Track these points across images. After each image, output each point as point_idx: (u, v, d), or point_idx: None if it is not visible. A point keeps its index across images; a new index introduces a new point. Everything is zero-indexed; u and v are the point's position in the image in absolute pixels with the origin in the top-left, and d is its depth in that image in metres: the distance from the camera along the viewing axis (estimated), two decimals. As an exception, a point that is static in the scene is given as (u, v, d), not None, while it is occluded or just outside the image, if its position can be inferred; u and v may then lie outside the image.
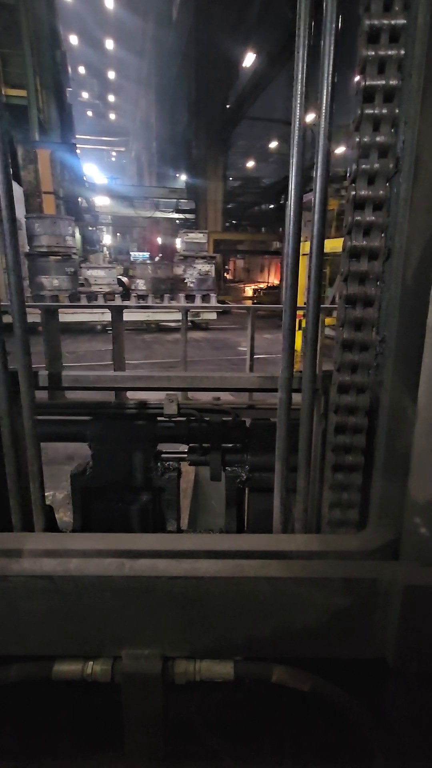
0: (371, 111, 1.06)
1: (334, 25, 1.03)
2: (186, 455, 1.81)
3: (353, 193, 1.11)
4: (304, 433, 1.25)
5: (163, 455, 1.82)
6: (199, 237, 17.68)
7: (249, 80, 23.79)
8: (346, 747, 1.18)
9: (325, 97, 1.07)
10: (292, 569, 1.06)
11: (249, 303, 21.78)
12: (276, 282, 24.65)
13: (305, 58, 1.07)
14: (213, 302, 15.05)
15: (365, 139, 1.08)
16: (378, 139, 1.08)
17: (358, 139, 1.09)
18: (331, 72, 1.05)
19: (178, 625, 1.07)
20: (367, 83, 1.05)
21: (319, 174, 1.11)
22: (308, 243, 1.16)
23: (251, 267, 31.29)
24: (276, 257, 26.67)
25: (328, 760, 1.23)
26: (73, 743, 1.27)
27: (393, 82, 1.04)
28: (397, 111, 1.06)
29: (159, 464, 1.78)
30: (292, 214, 1.14)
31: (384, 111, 1.06)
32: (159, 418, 1.75)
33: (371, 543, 1.14)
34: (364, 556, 1.12)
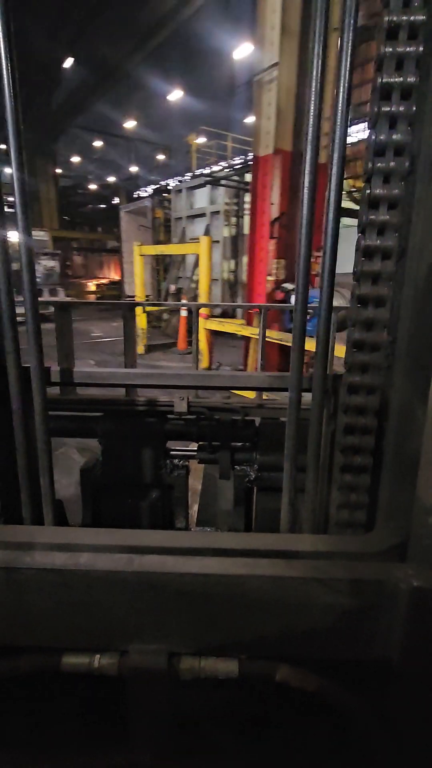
0: (388, 108, 1.05)
1: (352, 21, 1.02)
2: (195, 453, 1.82)
3: (367, 192, 1.10)
4: (314, 434, 1.25)
5: (172, 453, 1.83)
6: (41, 234, 19.10)
7: (75, 91, 24.71)
8: (349, 749, 1.18)
9: (342, 93, 1.06)
10: (298, 569, 1.06)
11: (93, 297, 24.70)
12: (117, 278, 26.98)
13: (321, 53, 1.06)
14: (62, 296, 16.42)
15: (381, 137, 1.07)
16: (394, 137, 1.06)
17: (373, 137, 1.07)
18: (348, 70, 1.04)
19: (184, 622, 1.08)
20: (384, 80, 1.03)
21: (334, 172, 1.10)
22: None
23: (90, 264, 33.95)
24: (114, 255, 29.43)
25: (331, 761, 1.23)
26: (79, 736, 1.29)
27: (411, 80, 1.02)
28: (414, 109, 1.04)
29: (168, 462, 1.79)
30: (304, 216, 1.14)
31: (401, 109, 1.04)
32: (169, 416, 1.76)
33: (378, 545, 1.14)
34: (371, 558, 1.11)
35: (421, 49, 1.00)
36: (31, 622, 1.09)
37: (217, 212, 13.52)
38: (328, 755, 1.23)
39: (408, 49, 1.01)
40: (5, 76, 1.07)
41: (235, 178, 13.67)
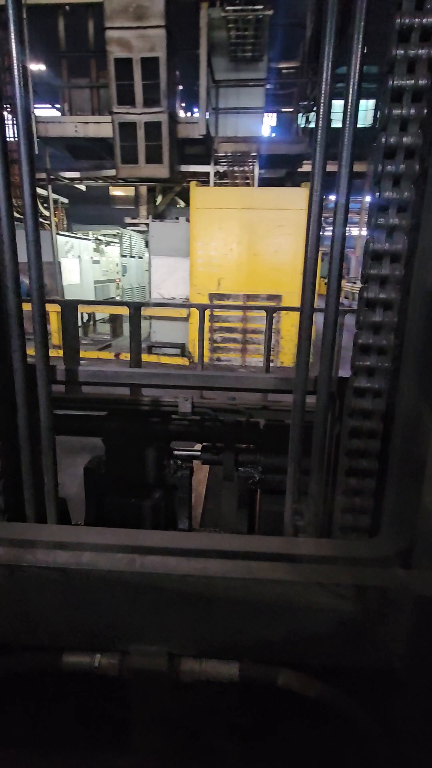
0: (399, 111, 1.04)
1: (362, 23, 1.02)
2: (199, 454, 1.82)
3: (377, 194, 1.09)
4: (318, 436, 1.24)
5: (176, 453, 1.83)
6: None
7: None
8: (351, 755, 1.17)
9: (351, 95, 1.05)
10: (301, 573, 1.06)
11: None
12: None
13: (330, 55, 1.06)
14: None
15: (391, 140, 1.06)
16: (405, 140, 1.06)
17: (384, 140, 1.07)
18: (358, 71, 1.04)
19: (185, 624, 1.07)
20: (396, 83, 1.03)
21: (342, 174, 1.10)
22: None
23: None
24: None
25: (332, 767, 1.22)
26: (79, 736, 1.29)
27: (422, 82, 1.02)
28: (425, 111, 1.03)
29: (172, 462, 1.79)
30: (312, 218, 1.13)
31: (412, 111, 1.04)
32: (173, 416, 1.75)
33: (383, 550, 1.13)
34: (375, 563, 1.10)
35: None
36: (33, 620, 1.09)
37: None
38: (329, 761, 1.22)
39: (420, 51, 1.00)
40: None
41: None
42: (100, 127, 8.39)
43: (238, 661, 1.08)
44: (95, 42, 8.92)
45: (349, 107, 1.06)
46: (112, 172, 8.68)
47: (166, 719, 1.13)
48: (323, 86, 1.06)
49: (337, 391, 1.38)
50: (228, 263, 7.57)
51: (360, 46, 1.02)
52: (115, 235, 12.80)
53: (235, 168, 8.79)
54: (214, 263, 7.59)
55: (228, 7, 7.48)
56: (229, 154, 8.77)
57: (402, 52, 1.01)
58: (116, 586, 1.05)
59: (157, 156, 7.97)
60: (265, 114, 9.91)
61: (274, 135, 11.78)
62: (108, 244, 13.54)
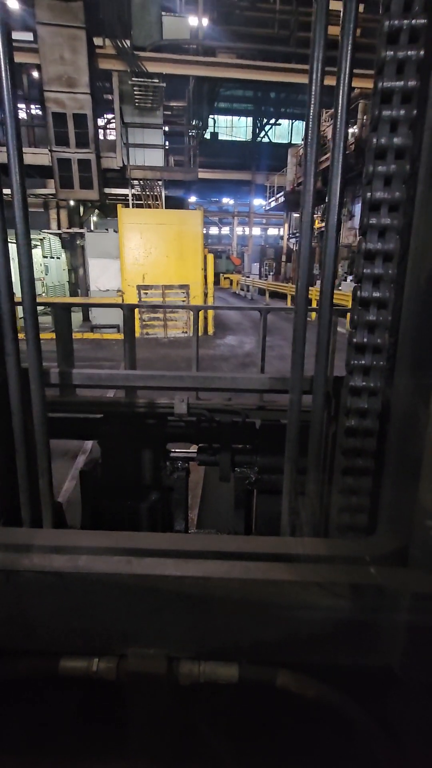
0: (389, 112, 1.05)
1: (352, 25, 1.02)
2: (195, 455, 1.81)
3: (368, 195, 1.10)
4: (315, 436, 1.24)
5: (172, 455, 1.82)
6: None
7: None
8: (351, 755, 1.17)
9: (341, 94, 1.06)
10: (299, 573, 1.06)
11: None
12: None
13: (321, 57, 1.07)
14: None
15: (382, 141, 1.07)
16: (395, 140, 1.06)
17: (375, 140, 1.07)
18: (348, 74, 1.04)
19: (183, 626, 1.07)
20: (385, 84, 1.04)
21: (334, 174, 1.11)
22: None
23: None
24: None
25: (331, 767, 1.22)
26: (77, 741, 1.28)
27: (411, 83, 1.03)
28: (415, 112, 1.04)
29: (168, 463, 1.79)
30: (303, 218, 1.14)
31: (402, 112, 1.05)
32: (169, 418, 1.75)
33: (380, 549, 1.13)
34: (372, 562, 1.11)
35: (422, 52, 1.00)
36: (29, 625, 1.08)
37: None
38: (328, 761, 1.21)
39: (409, 52, 1.01)
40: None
41: None
42: (36, 157, 10.90)
43: (236, 663, 1.08)
44: (29, 89, 12.51)
45: (340, 103, 1.07)
46: (48, 190, 11.59)
47: (165, 722, 1.13)
48: (311, 107, 1.08)
49: (333, 390, 1.38)
50: (149, 263, 10.29)
51: (348, 66, 1.04)
52: (42, 240, 14.03)
53: (147, 191, 11.70)
54: (138, 263, 10.29)
55: (133, 78, 10.45)
56: (140, 180, 11.58)
57: (391, 53, 1.01)
58: (113, 589, 1.04)
59: (88, 183, 10.83)
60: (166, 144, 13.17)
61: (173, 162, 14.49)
62: (35, 246, 14.37)
